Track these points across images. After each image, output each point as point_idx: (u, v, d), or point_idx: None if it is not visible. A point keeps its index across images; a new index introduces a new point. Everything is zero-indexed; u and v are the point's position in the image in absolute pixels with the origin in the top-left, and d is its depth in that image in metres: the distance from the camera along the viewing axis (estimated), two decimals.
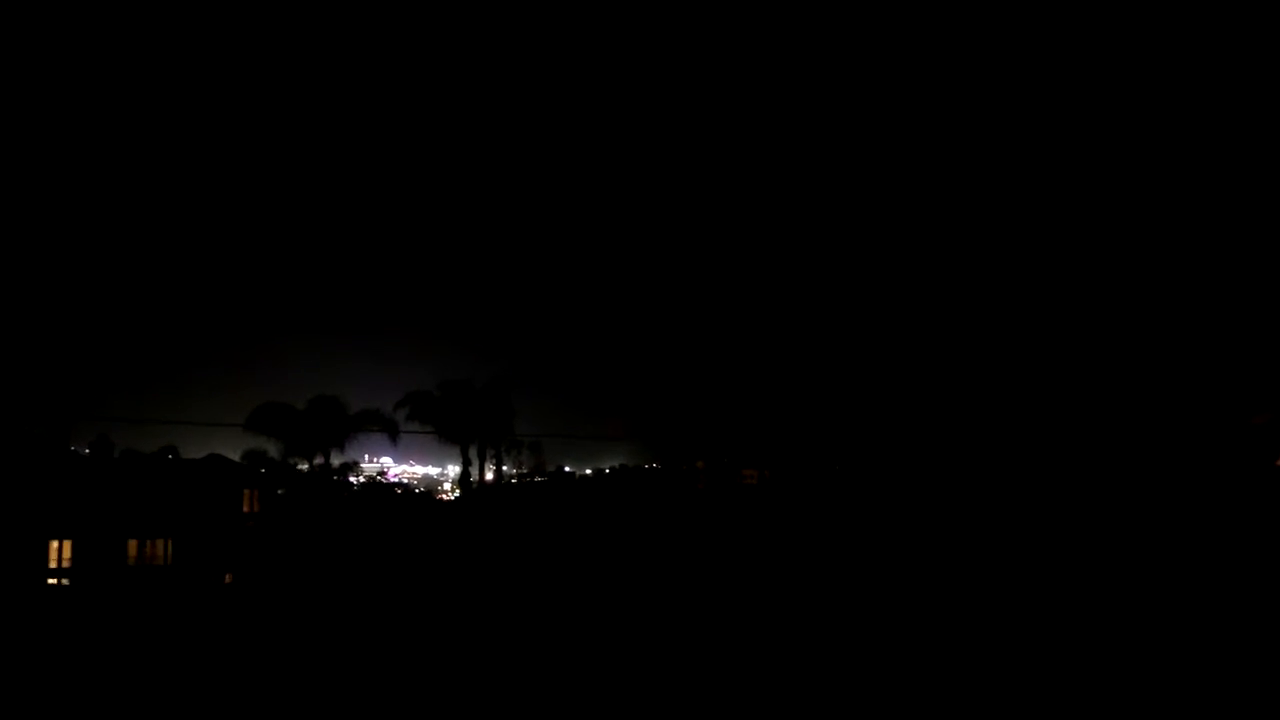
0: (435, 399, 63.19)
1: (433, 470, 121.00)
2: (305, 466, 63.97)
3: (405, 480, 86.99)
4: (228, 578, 53.75)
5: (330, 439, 62.52)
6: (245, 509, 60.98)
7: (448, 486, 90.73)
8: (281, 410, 61.58)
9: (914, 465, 55.52)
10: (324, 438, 62.20)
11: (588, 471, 74.98)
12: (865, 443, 58.10)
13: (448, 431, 62.85)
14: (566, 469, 72.76)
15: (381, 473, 74.83)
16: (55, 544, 53.79)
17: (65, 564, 53.67)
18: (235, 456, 62.79)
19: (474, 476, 62.43)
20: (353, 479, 66.69)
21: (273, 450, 62.43)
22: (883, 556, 42.74)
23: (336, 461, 64.44)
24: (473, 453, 62.76)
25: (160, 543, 56.69)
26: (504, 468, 64.98)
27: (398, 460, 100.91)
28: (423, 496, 70.88)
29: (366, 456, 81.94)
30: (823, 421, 60.95)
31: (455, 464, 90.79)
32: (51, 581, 51.68)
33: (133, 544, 55.82)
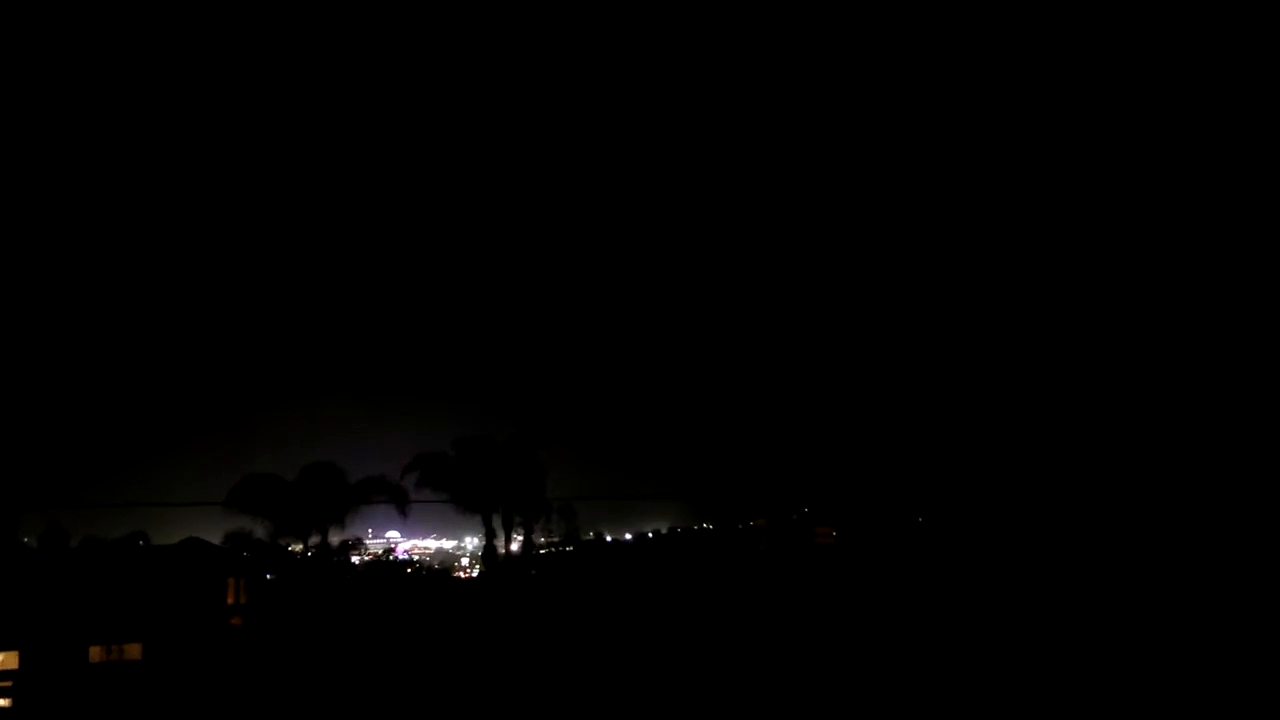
0: (450, 460, 56.66)
1: (448, 544, 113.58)
2: (300, 547, 57.31)
3: (417, 557, 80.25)
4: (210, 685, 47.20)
5: (327, 513, 55.95)
6: (230, 600, 54.43)
7: (466, 562, 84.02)
8: (268, 483, 55.08)
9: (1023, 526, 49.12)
10: (320, 512, 55.63)
11: (628, 536, 68.39)
12: (966, 494, 51.48)
13: (466, 498, 56.28)
14: (605, 536, 66.12)
15: (389, 550, 68.07)
16: None
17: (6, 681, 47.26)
18: (216, 540, 56.17)
19: (500, 549, 55.86)
20: (356, 558, 60.20)
21: (260, 531, 55.93)
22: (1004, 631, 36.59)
23: (336, 539, 57.95)
24: (496, 522, 56.22)
25: (130, 648, 50.13)
26: (532, 536, 58.25)
27: (408, 534, 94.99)
28: (438, 575, 64.13)
29: (370, 532, 75.67)
30: (911, 467, 54.44)
31: (474, 535, 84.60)
32: None
33: (95, 650, 49.27)
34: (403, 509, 57.38)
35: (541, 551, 59.20)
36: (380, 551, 64.74)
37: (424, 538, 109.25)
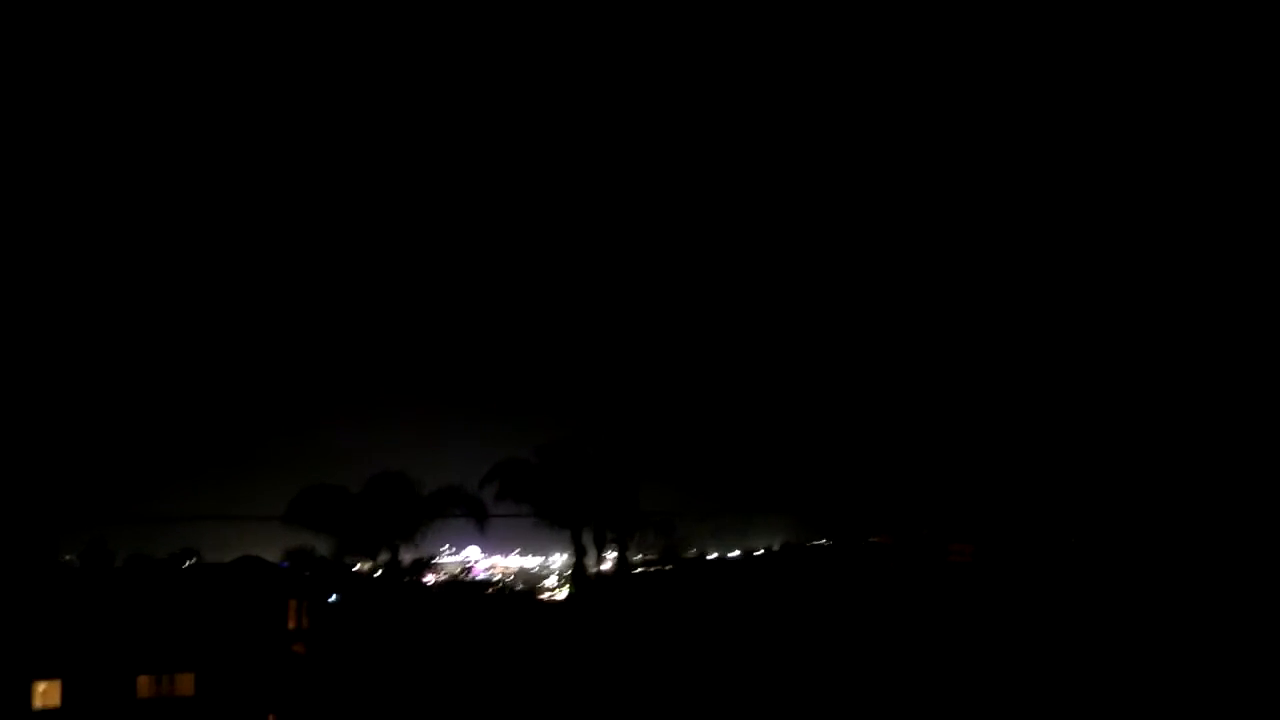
0: (532, 469, 51.12)
1: (531, 562, 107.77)
2: (367, 566, 52.23)
3: (498, 576, 74.76)
4: None
5: (397, 529, 50.65)
6: (291, 625, 49.69)
7: (552, 582, 78.34)
8: (331, 494, 49.95)
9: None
10: (388, 527, 50.36)
11: (735, 553, 62.52)
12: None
13: (550, 510, 50.68)
14: (707, 554, 60.01)
15: (466, 568, 62.80)
16: (41, 685, 43.00)
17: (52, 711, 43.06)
18: (275, 558, 51.32)
19: (590, 567, 50.19)
20: (430, 578, 55.03)
21: (323, 548, 50.86)
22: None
23: (407, 557, 52.61)
24: (586, 538, 50.52)
25: (181, 678, 45.52)
26: (626, 554, 52.55)
27: (487, 551, 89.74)
28: (521, 598, 58.76)
29: (449, 547, 70.69)
30: (1062, 478, 47.96)
31: (561, 552, 79.24)
32: None
33: (143, 680, 44.73)
34: (481, 524, 52.24)
35: (637, 571, 53.45)
36: (457, 570, 59.50)
37: (505, 555, 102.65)
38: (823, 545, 56.37)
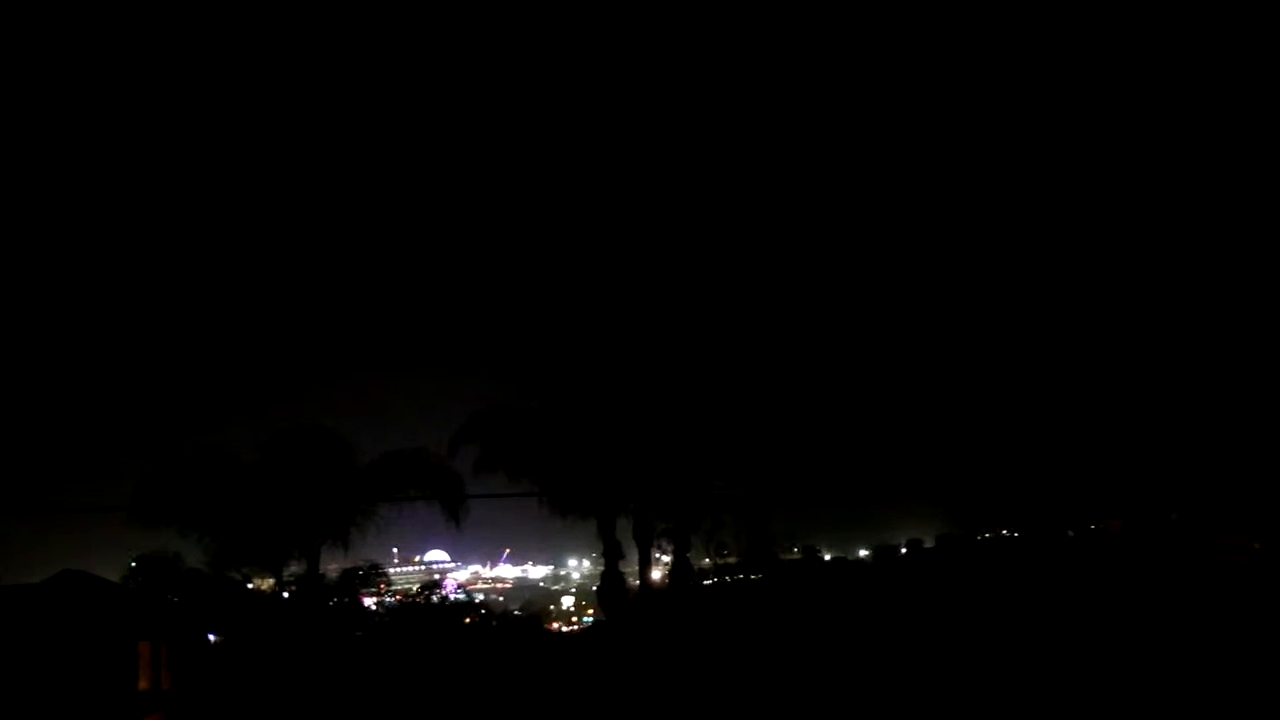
0: (534, 420, 33.08)
1: (537, 571, 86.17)
2: (270, 582, 34.14)
3: (482, 596, 55.84)
4: None
5: (317, 520, 32.60)
6: (143, 684, 31.28)
7: (569, 603, 59.25)
8: (205, 468, 31.83)
9: None
10: (302, 518, 32.29)
11: (862, 553, 44.56)
12: None
13: (565, 488, 33.01)
14: (822, 554, 41.46)
15: (432, 582, 43.70)
16: None
17: None
18: (115, 577, 33.09)
19: (632, 578, 33.47)
20: (371, 601, 36.98)
21: (197, 555, 33.21)
22: None
23: (335, 567, 34.35)
24: (623, 532, 32.96)
25: None
26: (687, 555, 34.66)
27: (465, 555, 71.33)
28: (519, 628, 40.05)
29: (396, 553, 53.20)
30: None
31: (581, 557, 61.18)
32: None
33: None
34: (453, 510, 34.01)
35: (711, 580, 35.34)
36: (417, 586, 41.10)
37: (494, 561, 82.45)
38: (1006, 537, 38.47)
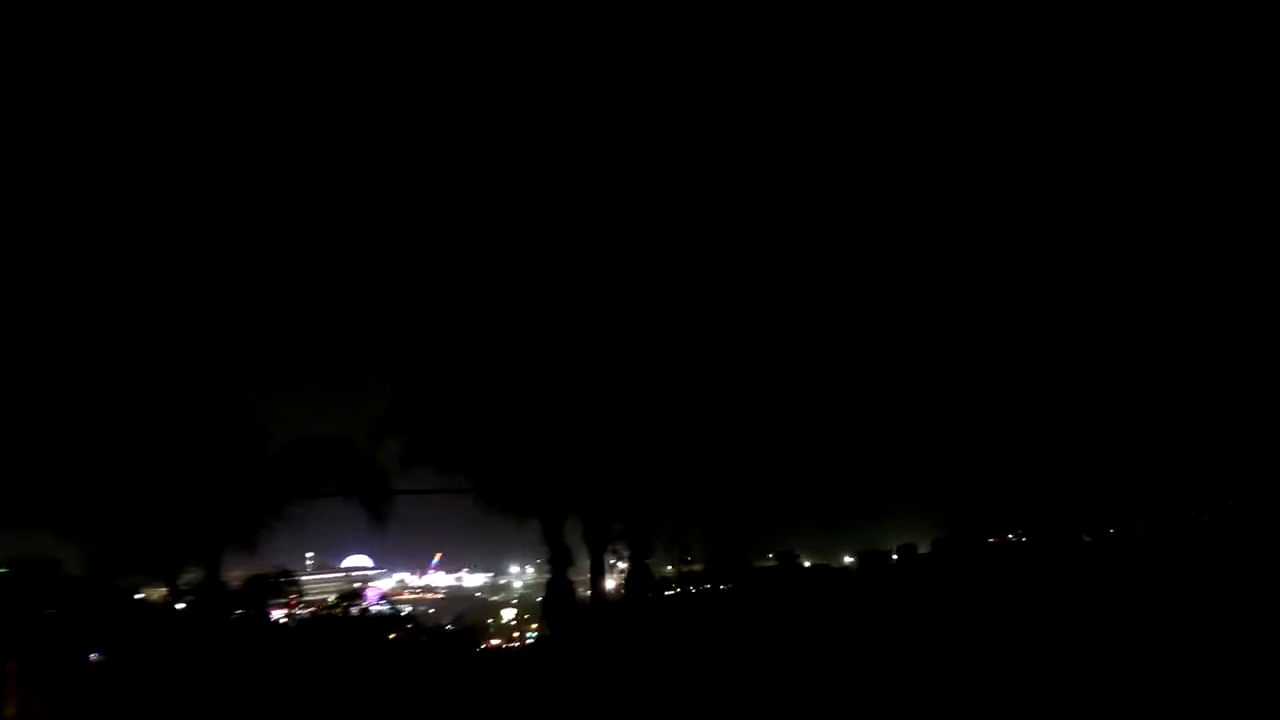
0: (468, 406, 29.25)
1: (474, 579, 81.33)
2: (161, 592, 29.93)
3: (409, 608, 51.63)
4: None
5: (216, 521, 28.44)
6: (10, 710, 27.09)
7: (510, 615, 55.53)
8: (81, 456, 27.64)
9: None
10: (198, 518, 28.13)
11: (848, 560, 41.03)
12: None
13: (503, 484, 29.19)
14: (801, 560, 37.75)
15: (352, 591, 40.16)
16: None
17: None
18: None
19: (581, 587, 29.44)
20: (280, 613, 33.06)
21: (76, 564, 28.70)
22: None
23: (238, 574, 30.22)
24: (573, 535, 29.44)
25: None
26: (646, 561, 31.05)
27: (391, 560, 67.45)
28: (452, 644, 36.51)
29: (310, 559, 49.42)
30: None
31: (523, 563, 57.37)
32: None
33: None
34: (376, 509, 29.96)
35: (671, 591, 31.72)
36: (334, 597, 37.30)
37: (424, 568, 78.29)
38: (1011, 543, 35.07)
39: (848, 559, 39.80)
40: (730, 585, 32.05)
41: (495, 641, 44.56)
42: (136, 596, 31.23)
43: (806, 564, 37.03)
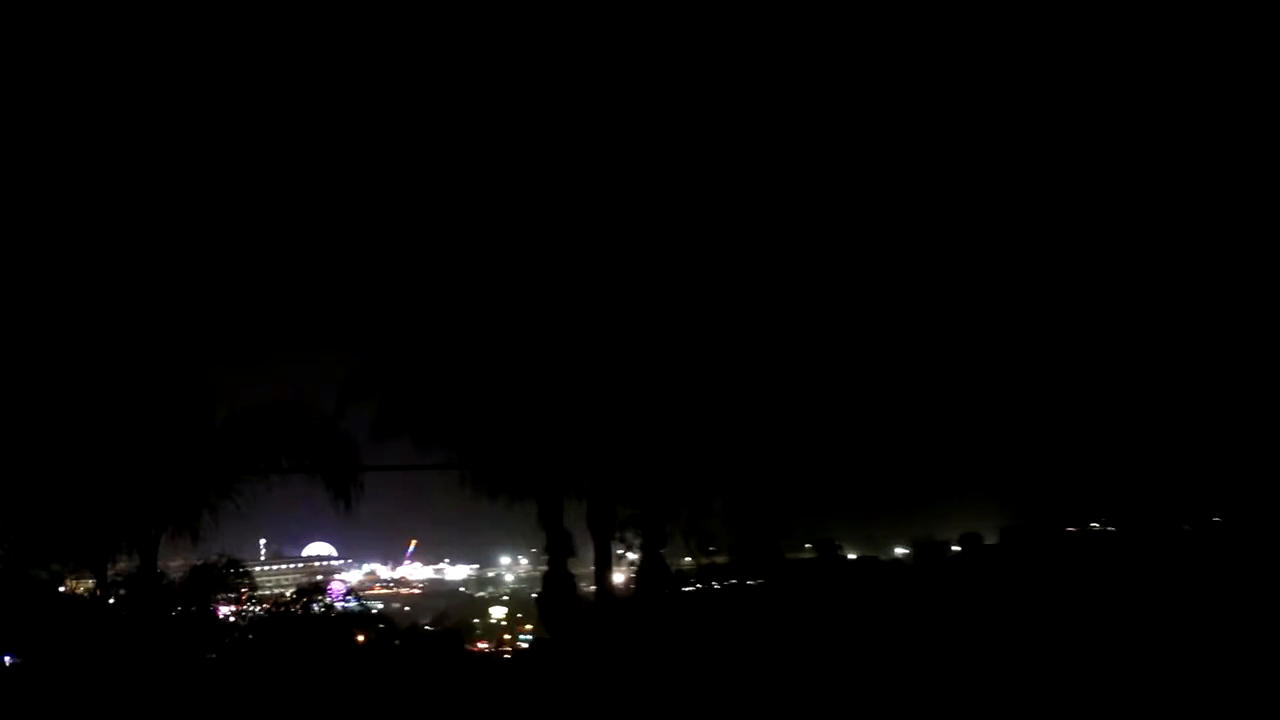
0: (449, 369, 25.76)
1: (457, 572, 76.85)
2: (89, 584, 26.36)
3: (380, 605, 47.97)
4: None
5: (152, 500, 24.72)
6: None
7: (500, 612, 51.72)
8: None
9: None
10: (131, 496, 24.43)
11: (900, 552, 37.63)
12: None
13: (491, 459, 25.98)
14: (844, 552, 34.47)
15: (314, 586, 36.79)
16: None
17: None
18: None
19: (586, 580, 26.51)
20: (228, 609, 29.43)
21: None
22: None
23: (178, 563, 26.46)
24: (573, 520, 26.19)
25: None
26: (660, 551, 27.64)
27: (359, 551, 64.16)
28: (432, 648, 33.00)
29: (263, 545, 45.62)
30: None
31: (515, 554, 53.77)
32: None
33: None
34: (343, 486, 26.17)
35: (690, 587, 28.26)
36: (290, 591, 33.80)
37: (398, 558, 73.59)
38: (1097, 533, 31.53)
39: (899, 551, 36.53)
40: (760, 580, 28.63)
41: (483, 645, 41.35)
42: (60, 590, 27.98)
43: (851, 556, 33.73)
